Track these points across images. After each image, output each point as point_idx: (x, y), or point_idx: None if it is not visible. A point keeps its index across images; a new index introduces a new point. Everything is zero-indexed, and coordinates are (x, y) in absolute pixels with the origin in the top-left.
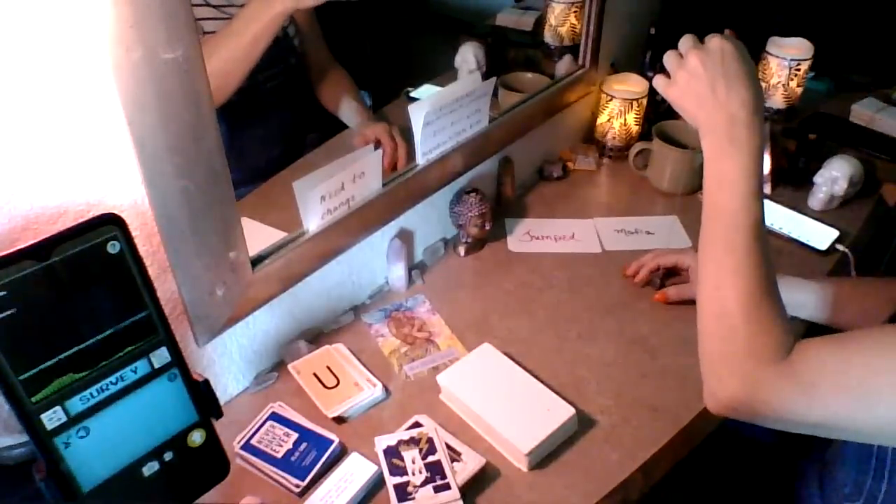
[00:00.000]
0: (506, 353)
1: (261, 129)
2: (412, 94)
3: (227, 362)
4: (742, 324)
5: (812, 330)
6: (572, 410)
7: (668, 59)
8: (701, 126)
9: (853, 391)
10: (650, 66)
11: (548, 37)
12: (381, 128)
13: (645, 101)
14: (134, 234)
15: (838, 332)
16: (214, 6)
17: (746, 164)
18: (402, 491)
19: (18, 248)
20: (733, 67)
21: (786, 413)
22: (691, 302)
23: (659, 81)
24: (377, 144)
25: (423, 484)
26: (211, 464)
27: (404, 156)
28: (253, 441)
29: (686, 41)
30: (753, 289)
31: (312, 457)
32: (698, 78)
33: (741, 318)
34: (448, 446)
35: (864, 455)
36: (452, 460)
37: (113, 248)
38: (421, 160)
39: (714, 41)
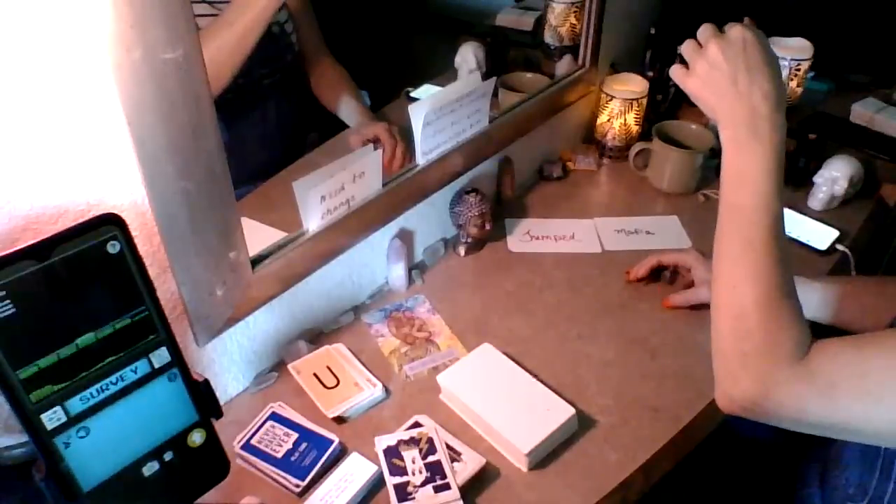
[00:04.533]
0: (506, 353)
1: (260, 128)
2: (412, 94)
3: (227, 362)
4: (759, 323)
5: (813, 331)
6: (572, 410)
7: (687, 48)
8: (720, 119)
9: (871, 393)
10: (650, 66)
11: (548, 37)
12: (381, 127)
13: (645, 101)
14: (134, 234)
15: (841, 332)
16: (210, 2)
17: (767, 160)
18: (402, 491)
19: (18, 248)
20: (755, 58)
21: (802, 414)
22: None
23: (677, 72)
24: (376, 144)
25: (423, 484)
26: (211, 464)
27: (401, 156)
28: (253, 441)
29: (706, 30)
30: (771, 288)
31: (312, 457)
32: (719, 68)
33: (758, 318)
34: (448, 446)
35: (869, 455)
36: (452, 460)
37: (113, 248)
38: (421, 160)
39: (735, 30)
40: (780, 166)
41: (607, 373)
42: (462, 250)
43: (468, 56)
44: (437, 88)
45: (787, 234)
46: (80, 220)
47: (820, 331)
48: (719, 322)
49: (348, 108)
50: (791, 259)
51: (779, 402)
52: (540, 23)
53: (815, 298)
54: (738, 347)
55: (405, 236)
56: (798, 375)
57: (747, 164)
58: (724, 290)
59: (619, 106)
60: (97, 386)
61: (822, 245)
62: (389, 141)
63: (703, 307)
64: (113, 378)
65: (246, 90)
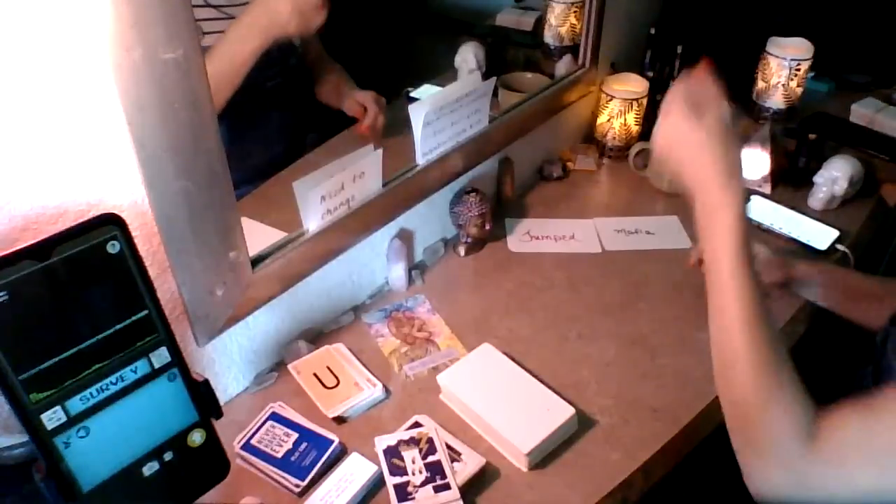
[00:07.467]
0: (506, 353)
1: (261, 129)
2: (412, 94)
3: (227, 362)
4: (759, 412)
5: (812, 333)
6: (572, 410)
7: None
8: (689, 186)
9: (879, 463)
10: (650, 66)
11: (548, 37)
12: (370, 95)
13: (645, 101)
14: (134, 234)
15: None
16: (215, 6)
17: (726, 241)
18: (402, 491)
19: (18, 248)
20: (717, 133)
21: (819, 493)
22: (695, 303)
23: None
24: (364, 110)
25: (423, 484)
26: (211, 464)
27: (380, 123)
28: (253, 441)
29: (675, 96)
30: (762, 368)
31: (312, 457)
32: (685, 137)
33: (757, 406)
34: (448, 446)
35: None
36: (452, 460)
37: (113, 248)
38: (421, 160)
39: (706, 105)
40: (740, 241)
41: (607, 373)
42: (462, 250)
43: (468, 56)
44: (437, 88)
45: (787, 234)
46: (80, 220)
47: (820, 320)
48: (724, 402)
49: (348, 97)
50: (773, 321)
51: (808, 491)
52: (540, 23)
53: (815, 284)
54: (745, 433)
55: (405, 236)
56: (809, 458)
57: (711, 246)
58: (718, 367)
59: (619, 106)
60: (97, 386)
61: (822, 245)
62: (373, 107)
63: (702, 309)
64: (113, 378)
65: (248, 93)
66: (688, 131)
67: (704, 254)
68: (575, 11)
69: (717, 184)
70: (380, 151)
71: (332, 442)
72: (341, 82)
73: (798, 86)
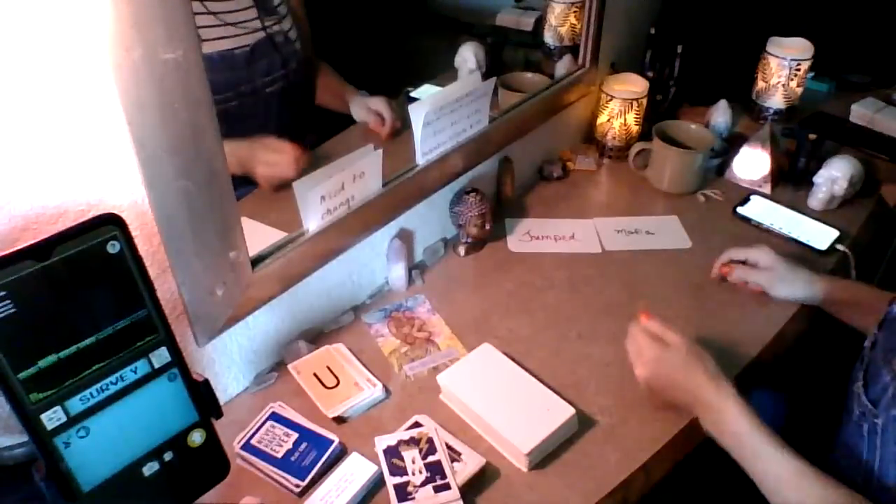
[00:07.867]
0: (506, 353)
1: (261, 130)
2: (412, 94)
3: (227, 362)
4: None
5: (810, 334)
6: (572, 410)
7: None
8: (692, 407)
9: None
10: (650, 66)
11: (548, 37)
12: (383, 100)
13: (645, 101)
14: (134, 234)
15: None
16: (214, 13)
17: (744, 427)
18: (402, 491)
19: (18, 248)
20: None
21: None
22: (695, 302)
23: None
24: (380, 117)
25: (423, 484)
26: (211, 464)
27: (396, 126)
28: (253, 441)
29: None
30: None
31: (312, 457)
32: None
33: None
34: (448, 446)
35: (860, 447)
36: (452, 460)
37: (113, 248)
38: (421, 160)
39: (672, 338)
40: (753, 423)
41: (607, 373)
42: (462, 250)
43: (468, 56)
44: (437, 88)
45: (787, 234)
46: (80, 220)
47: (817, 322)
48: None
49: (358, 105)
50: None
51: None
52: (540, 23)
53: (819, 290)
54: None
55: (405, 236)
56: None
57: (733, 429)
58: None
59: (619, 106)
60: (97, 386)
61: (822, 245)
62: (390, 114)
63: (702, 309)
64: (113, 378)
65: (249, 98)
66: (666, 360)
67: (730, 451)
68: (575, 11)
69: (710, 388)
70: (380, 151)
71: (332, 442)
72: (340, 87)
73: (798, 86)
